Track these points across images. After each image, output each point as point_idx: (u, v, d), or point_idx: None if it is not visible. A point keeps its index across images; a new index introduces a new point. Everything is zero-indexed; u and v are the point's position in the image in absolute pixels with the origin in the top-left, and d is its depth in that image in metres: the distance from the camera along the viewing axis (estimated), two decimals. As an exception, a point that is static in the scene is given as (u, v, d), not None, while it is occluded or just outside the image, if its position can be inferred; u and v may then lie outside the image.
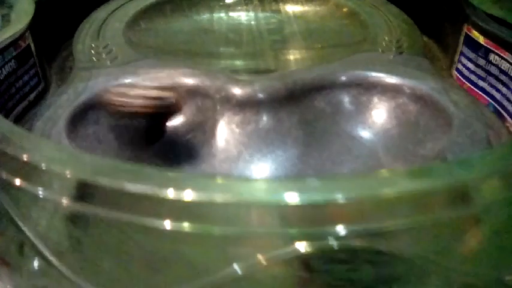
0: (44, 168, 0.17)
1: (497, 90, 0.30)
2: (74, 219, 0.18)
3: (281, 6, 0.41)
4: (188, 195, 0.16)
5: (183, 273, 0.18)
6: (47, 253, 0.19)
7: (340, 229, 0.16)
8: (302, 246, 0.16)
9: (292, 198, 0.15)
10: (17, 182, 0.18)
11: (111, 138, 0.29)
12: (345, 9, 0.40)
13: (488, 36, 0.30)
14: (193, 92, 0.31)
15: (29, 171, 0.17)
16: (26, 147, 0.18)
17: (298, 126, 0.31)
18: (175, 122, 0.31)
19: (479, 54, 0.31)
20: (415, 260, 0.17)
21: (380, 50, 0.34)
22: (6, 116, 0.28)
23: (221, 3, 0.41)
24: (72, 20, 0.38)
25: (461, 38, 0.33)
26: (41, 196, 0.17)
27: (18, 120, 0.29)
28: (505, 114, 0.29)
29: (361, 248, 0.16)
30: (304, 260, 0.17)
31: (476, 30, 0.31)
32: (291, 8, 0.41)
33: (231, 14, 0.41)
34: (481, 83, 0.31)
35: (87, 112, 0.29)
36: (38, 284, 0.21)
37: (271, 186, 0.16)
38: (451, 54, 0.34)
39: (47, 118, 0.28)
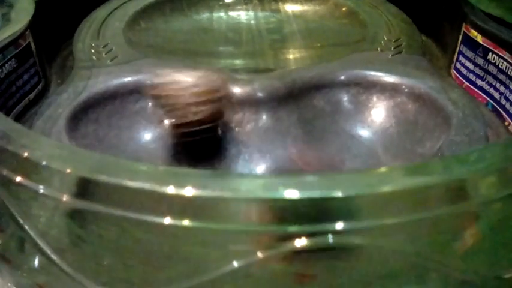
0: (44, 165, 0.17)
1: (496, 89, 0.30)
2: (74, 215, 0.18)
3: (280, 5, 0.41)
4: (187, 191, 0.16)
5: (182, 270, 0.18)
6: (47, 250, 0.19)
7: (338, 226, 0.16)
8: (300, 243, 0.16)
9: (290, 194, 0.16)
10: (18, 179, 0.18)
11: (112, 137, 0.29)
12: (344, 9, 0.40)
13: (487, 36, 0.30)
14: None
15: (29, 168, 0.18)
16: (27, 144, 0.18)
17: (298, 125, 0.31)
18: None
19: (478, 53, 0.31)
20: (413, 257, 0.17)
21: (379, 49, 0.34)
22: (7, 115, 0.28)
23: (221, 3, 0.41)
24: (72, 19, 0.38)
25: (460, 37, 0.33)
26: (41, 193, 0.17)
27: (18, 119, 0.29)
28: (503, 113, 0.29)
29: (359, 245, 0.17)
30: (302, 257, 0.17)
31: (474, 30, 0.31)
32: (290, 8, 0.41)
33: (230, 13, 0.41)
34: (479, 82, 0.31)
35: (87, 111, 0.29)
36: (39, 281, 0.21)
37: (270, 183, 0.16)
38: (450, 53, 0.34)
39: (47, 117, 0.28)
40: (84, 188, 0.17)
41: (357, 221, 0.16)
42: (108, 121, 0.30)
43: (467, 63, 0.32)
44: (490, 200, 0.17)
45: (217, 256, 0.17)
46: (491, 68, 0.30)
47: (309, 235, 0.16)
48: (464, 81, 0.32)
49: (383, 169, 0.17)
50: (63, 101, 0.29)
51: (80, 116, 0.29)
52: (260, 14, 0.41)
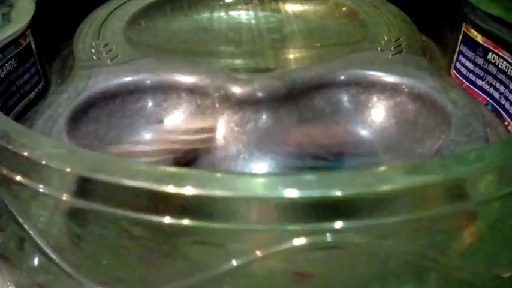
0: (44, 164, 0.17)
1: (496, 89, 0.30)
2: (73, 215, 0.18)
3: (281, 5, 0.41)
4: (187, 190, 0.16)
5: (182, 269, 0.18)
6: (47, 249, 0.19)
7: (338, 225, 0.16)
8: (299, 242, 0.16)
9: (290, 193, 0.16)
10: (18, 178, 0.18)
11: (112, 136, 0.29)
12: (344, 9, 0.40)
13: (487, 35, 0.30)
14: (192, 90, 0.31)
15: (29, 167, 0.18)
16: (26, 143, 0.18)
17: (298, 125, 0.31)
18: (174, 119, 0.31)
19: (478, 53, 0.31)
20: (412, 256, 0.17)
21: (379, 49, 0.34)
22: (7, 115, 0.28)
23: (221, 3, 0.41)
24: (72, 18, 0.38)
25: (460, 37, 0.33)
26: (41, 192, 0.18)
27: (18, 119, 0.29)
28: (503, 113, 0.29)
29: (358, 244, 0.17)
30: (302, 256, 0.17)
31: (474, 29, 0.31)
32: (290, 7, 0.41)
33: (230, 13, 0.41)
34: (479, 82, 0.31)
35: (87, 110, 0.29)
36: (38, 280, 0.21)
37: (269, 182, 0.16)
38: (450, 53, 0.34)
39: (48, 116, 0.28)
40: (84, 187, 0.17)
41: (356, 220, 0.16)
42: (108, 121, 0.30)
43: (467, 63, 0.32)
44: (488, 199, 0.17)
45: (217, 255, 0.17)
46: (491, 68, 0.30)
47: (308, 234, 0.16)
48: (464, 81, 0.32)
49: (382, 168, 0.17)
50: (63, 101, 0.29)
51: (80, 115, 0.29)
52: (260, 13, 0.41)
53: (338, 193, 0.16)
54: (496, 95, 0.30)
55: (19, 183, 0.18)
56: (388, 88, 0.31)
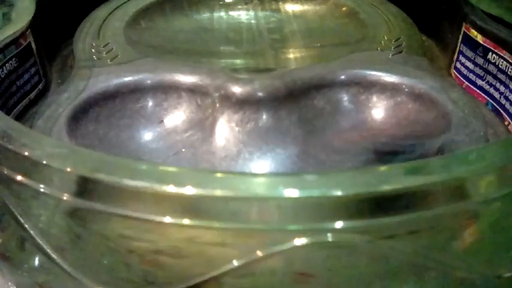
0: (44, 164, 0.17)
1: (496, 89, 0.30)
2: (74, 214, 0.18)
3: (281, 5, 0.41)
4: (188, 190, 0.16)
5: (182, 269, 0.18)
6: (47, 249, 0.19)
7: (338, 224, 0.16)
8: (300, 242, 0.16)
9: (290, 193, 0.16)
10: (18, 178, 0.18)
11: (112, 136, 0.29)
12: (344, 9, 0.40)
13: (487, 35, 0.30)
14: (192, 90, 0.31)
15: (30, 167, 0.18)
16: (27, 143, 0.18)
17: (298, 125, 0.31)
18: (174, 119, 0.31)
19: (478, 53, 0.31)
20: (413, 256, 0.17)
21: (379, 49, 0.34)
22: (7, 114, 0.28)
23: (221, 2, 0.41)
24: (72, 18, 0.38)
25: (460, 37, 0.33)
26: (42, 192, 0.18)
27: (19, 119, 0.29)
28: (503, 113, 0.29)
29: (358, 244, 0.17)
30: (302, 256, 0.17)
31: (474, 29, 0.31)
32: (290, 7, 0.41)
33: (231, 13, 0.41)
34: (479, 82, 0.31)
35: (87, 110, 0.29)
36: (39, 280, 0.21)
37: (270, 182, 0.16)
38: (450, 53, 0.34)
39: (48, 116, 0.28)
40: (85, 187, 0.17)
41: (356, 220, 0.16)
42: (108, 120, 0.30)
43: (467, 63, 0.32)
44: (489, 199, 0.17)
45: (217, 255, 0.17)
46: (491, 68, 0.30)
47: (308, 234, 0.16)
48: (464, 81, 0.32)
49: (383, 168, 0.17)
50: (63, 101, 0.29)
51: (80, 115, 0.29)
52: (260, 13, 0.41)
53: (338, 193, 0.16)
54: (496, 94, 0.30)
55: (20, 183, 0.18)
56: (388, 88, 0.31)
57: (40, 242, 0.19)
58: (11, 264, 0.21)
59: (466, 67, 0.32)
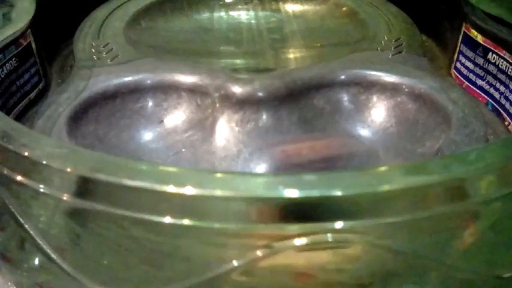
0: (44, 164, 0.17)
1: (496, 89, 0.30)
2: (74, 215, 0.18)
3: (281, 5, 0.41)
4: (188, 190, 0.16)
5: (182, 269, 0.18)
6: (47, 249, 0.19)
7: (338, 225, 0.16)
8: (300, 242, 0.16)
9: (290, 193, 0.16)
10: (18, 178, 0.18)
11: (112, 136, 0.29)
12: (344, 8, 0.40)
13: (487, 35, 0.30)
14: (192, 90, 0.31)
15: (29, 167, 0.18)
16: (27, 143, 0.18)
17: (298, 125, 0.31)
18: (174, 119, 0.31)
19: (478, 53, 0.31)
20: (413, 256, 0.17)
21: (379, 49, 0.34)
22: (7, 114, 0.28)
23: (221, 2, 0.41)
24: (73, 18, 0.38)
25: (460, 37, 0.33)
26: (41, 192, 0.18)
27: (19, 118, 0.29)
28: (503, 113, 0.29)
29: (358, 244, 0.17)
30: (302, 256, 0.17)
31: (474, 29, 0.31)
32: (290, 7, 0.41)
33: (231, 13, 0.41)
34: (479, 82, 0.31)
35: (87, 110, 0.29)
36: (39, 280, 0.21)
37: (270, 182, 0.16)
38: (450, 53, 0.34)
39: (48, 116, 0.28)
40: (84, 187, 0.17)
41: (356, 220, 0.16)
42: (108, 120, 0.30)
43: (467, 63, 0.32)
44: (489, 199, 0.17)
45: (217, 255, 0.17)
46: (491, 68, 0.30)
47: (308, 234, 0.16)
48: (464, 81, 0.32)
49: (382, 168, 0.17)
50: (63, 101, 0.29)
51: (80, 115, 0.29)
52: (260, 13, 0.41)
53: (338, 193, 0.16)
54: (496, 94, 0.30)
55: (20, 183, 0.18)
56: (388, 88, 0.31)
57: (40, 242, 0.19)
58: (11, 264, 0.21)
59: (466, 67, 0.32)
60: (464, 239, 0.18)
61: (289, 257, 0.17)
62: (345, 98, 0.32)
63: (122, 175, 0.16)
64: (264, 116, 0.30)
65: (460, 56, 0.33)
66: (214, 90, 0.30)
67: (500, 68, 0.29)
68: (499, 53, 0.29)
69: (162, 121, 0.31)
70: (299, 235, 0.16)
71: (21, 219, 0.19)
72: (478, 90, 0.31)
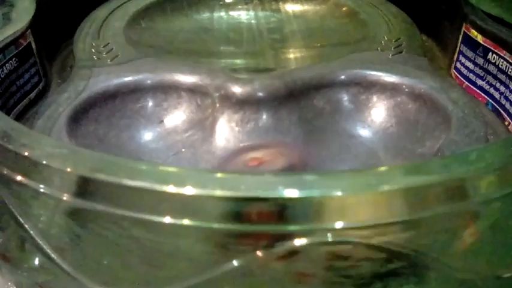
0: (44, 164, 0.17)
1: (496, 89, 0.30)
2: (74, 215, 0.18)
3: (281, 5, 0.41)
4: (188, 190, 0.16)
5: (182, 269, 0.18)
6: (47, 249, 0.19)
7: (338, 225, 0.16)
8: (300, 242, 0.16)
9: (290, 193, 0.16)
10: (18, 178, 0.18)
11: (112, 136, 0.29)
12: (344, 9, 0.40)
13: (487, 35, 0.30)
14: (192, 90, 0.31)
15: (29, 167, 0.18)
16: (27, 143, 0.18)
17: (298, 125, 0.31)
18: (174, 119, 0.31)
19: (478, 53, 0.31)
20: (413, 256, 0.17)
21: (379, 49, 0.34)
22: (7, 114, 0.28)
23: (221, 2, 0.41)
24: (73, 18, 0.38)
25: (460, 37, 0.33)
26: (41, 192, 0.18)
27: (19, 119, 0.29)
28: (504, 113, 0.29)
29: (359, 244, 0.17)
30: (302, 256, 0.17)
31: (474, 29, 0.31)
32: (290, 7, 0.41)
33: (231, 13, 0.41)
34: (479, 82, 0.31)
35: (87, 110, 0.29)
36: (39, 280, 0.21)
37: (270, 182, 0.16)
38: (450, 53, 0.34)
39: (48, 116, 0.28)
40: (84, 187, 0.17)
41: (356, 220, 0.16)
42: (108, 120, 0.30)
43: (468, 63, 0.32)
44: (489, 199, 0.17)
45: (217, 255, 0.17)
46: (491, 68, 0.30)
47: (308, 234, 0.16)
48: (464, 81, 0.32)
49: (382, 168, 0.17)
50: (63, 101, 0.29)
51: (80, 115, 0.29)
52: (260, 13, 0.41)
53: (338, 193, 0.16)
54: (496, 95, 0.30)
55: (20, 183, 0.18)
56: (388, 88, 0.31)
57: (40, 242, 0.19)
58: (11, 264, 0.21)
59: (466, 67, 0.32)
60: (464, 239, 0.18)
61: (290, 257, 0.17)
62: (345, 98, 0.32)
63: (122, 175, 0.16)
64: (264, 116, 0.30)
65: (460, 56, 0.33)
66: (214, 90, 0.30)
67: (500, 68, 0.29)
68: (499, 53, 0.29)
69: (162, 121, 0.31)
70: (299, 235, 0.16)
71: (21, 219, 0.19)
72: (478, 90, 0.31)
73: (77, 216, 0.18)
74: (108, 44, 0.35)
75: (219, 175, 0.16)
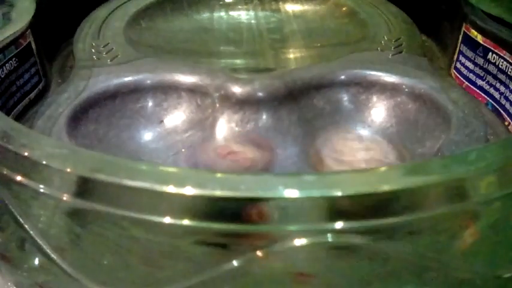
0: (44, 164, 0.17)
1: (496, 89, 0.30)
2: (74, 215, 0.18)
3: (281, 5, 0.41)
4: (187, 190, 0.16)
5: (182, 269, 0.18)
6: (47, 249, 0.19)
7: (338, 225, 0.16)
8: (300, 242, 0.16)
9: (290, 194, 0.16)
10: (18, 178, 0.18)
11: (112, 136, 0.29)
12: (344, 8, 0.40)
13: (487, 35, 0.30)
14: (192, 90, 0.31)
15: (29, 167, 0.18)
16: (27, 143, 0.18)
17: (298, 125, 0.31)
18: (174, 119, 0.31)
19: (478, 53, 0.31)
20: (413, 256, 0.17)
21: (379, 49, 0.34)
22: (7, 114, 0.28)
23: (221, 2, 0.41)
24: (72, 18, 0.38)
25: (460, 37, 0.33)
26: (41, 192, 0.18)
27: (19, 119, 0.29)
28: (503, 113, 0.29)
29: (358, 244, 0.17)
30: (302, 256, 0.17)
31: (474, 29, 0.31)
32: (290, 7, 0.41)
33: (231, 13, 0.41)
34: (479, 82, 0.31)
35: (87, 110, 0.29)
36: (39, 280, 0.21)
37: (270, 182, 0.16)
38: (450, 53, 0.34)
39: (48, 116, 0.28)
40: (84, 187, 0.17)
41: (356, 220, 0.16)
42: (108, 120, 0.30)
43: (467, 63, 0.32)
44: (489, 200, 0.17)
45: (217, 255, 0.17)
46: (491, 68, 0.30)
47: (308, 234, 0.16)
48: (464, 81, 0.32)
49: (382, 168, 0.17)
50: (63, 101, 0.29)
51: (80, 115, 0.29)
52: (260, 13, 0.41)
53: (338, 193, 0.16)
54: (496, 95, 0.30)
55: (19, 183, 0.18)
56: (388, 88, 0.31)
57: (40, 242, 0.19)
58: (11, 264, 0.21)
59: (466, 67, 0.32)
60: (464, 239, 0.18)
61: (289, 257, 0.17)
62: (345, 98, 0.32)
63: (122, 175, 0.16)
64: (264, 116, 0.30)
65: (460, 56, 0.33)
66: (214, 90, 0.30)
67: (500, 68, 0.29)
68: (499, 53, 0.29)
69: (162, 121, 0.31)
70: (299, 236, 0.16)
71: (21, 219, 0.19)
72: (478, 90, 0.31)
73: (76, 216, 0.18)
74: (108, 44, 0.35)
75: (219, 175, 0.16)
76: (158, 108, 0.31)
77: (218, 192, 0.16)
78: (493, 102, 0.30)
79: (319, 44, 0.38)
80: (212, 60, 0.36)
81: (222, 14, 0.41)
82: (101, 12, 0.39)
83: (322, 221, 0.16)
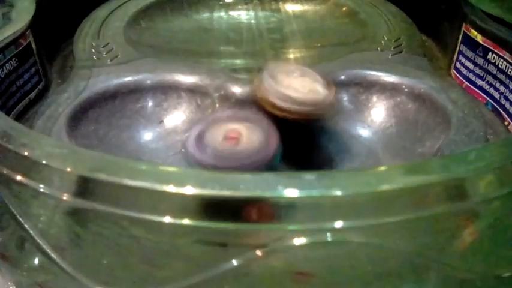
0: (44, 164, 0.17)
1: (496, 89, 0.30)
2: (74, 214, 0.18)
3: (281, 5, 0.41)
4: (187, 190, 0.16)
5: (182, 269, 0.18)
6: (47, 249, 0.19)
7: (338, 224, 0.16)
8: (300, 241, 0.16)
9: (290, 193, 0.16)
10: (18, 177, 0.18)
11: (112, 136, 0.29)
12: (344, 8, 0.40)
13: (487, 35, 0.30)
14: (192, 90, 0.31)
15: (29, 167, 0.18)
16: (27, 143, 0.18)
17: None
18: (174, 119, 0.31)
19: (478, 53, 0.31)
20: (412, 256, 0.17)
21: (379, 49, 0.34)
22: (7, 114, 0.28)
23: (221, 2, 0.41)
24: (72, 18, 0.38)
25: (460, 37, 0.33)
26: (41, 192, 0.18)
27: (19, 119, 0.29)
28: (503, 113, 0.29)
29: (358, 244, 0.17)
30: (301, 255, 0.17)
31: (474, 29, 0.31)
32: (290, 7, 0.41)
33: (231, 13, 0.41)
34: (479, 82, 0.31)
35: (87, 110, 0.29)
36: (39, 280, 0.21)
37: (270, 182, 0.16)
38: (450, 53, 0.34)
39: (48, 116, 0.28)
40: (84, 187, 0.17)
41: (356, 219, 0.16)
42: (108, 120, 0.30)
43: (467, 63, 0.32)
44: (488, 199, 0.17)
45: (217, 254, 0.17)
46: (491, 68, 0.30)
47: (308, 234, 0.16)
48: (464, 81, 0.32)
49: (382, 168, 0.17)
50: (63, 101, 0.29)
51: (80, 115, 0.29)
52: (260, 13, 0.41)
53: (338, 193, 0.16)
54: (496, 95, 0.30)
55: (19, 183, 0.18)
56: (388, 88, 0.31)
57: (40, 242, 0.19)
58: (11, 264, 0.21)
59: (466, 67, 0.32)
60: (464, 238, 0.18)
61: (289, 257, 0.17)
62: (345, 98, 0.32)
63: (122, 175, 0.16)
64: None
65: (460, 56, 0.33)
66: (214, 90, 0.30)
67: (500, 68, 0.29)
68: (499, 53, 0.29)
69: (162, 121, 0.31)
70: (299, 235, 0.16)
71: (21, 219, 0.19)
72: (478, 90, 0.31)
73: (76, 216, 0.18)
74: (108, 44, 0.35)
75: (218, 175, 0.16)
76: (158, 108, 0.31)
77: (218, 192, 0.16)
78: (492, 102, 0.30)
79: (319, 44, 0.38)
80: (212, 60, 0.36)
81: (222, 14, 0.41)
82: (101, 12, 0.39)
83: (321, 221, 0.16)
